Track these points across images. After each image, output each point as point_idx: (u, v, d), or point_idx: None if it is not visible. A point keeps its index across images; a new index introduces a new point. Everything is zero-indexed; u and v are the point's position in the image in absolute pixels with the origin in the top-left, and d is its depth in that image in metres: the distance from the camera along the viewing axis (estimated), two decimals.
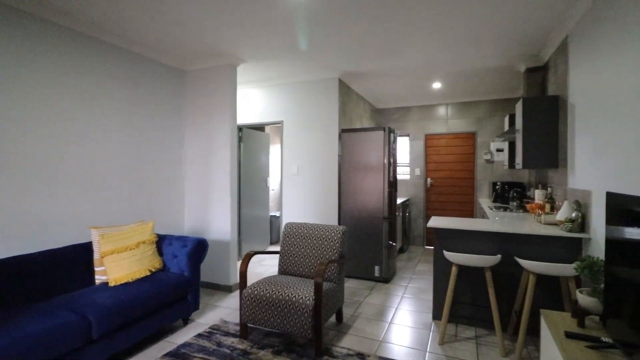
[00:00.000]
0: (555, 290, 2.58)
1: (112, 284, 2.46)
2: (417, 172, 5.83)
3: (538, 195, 3.49)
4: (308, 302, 2.28)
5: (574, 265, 1.72)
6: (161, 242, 2.95)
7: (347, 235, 2.85)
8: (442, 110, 5.70)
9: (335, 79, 4.13)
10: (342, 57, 3.62)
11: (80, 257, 2.56)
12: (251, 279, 3.95)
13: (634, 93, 1.82)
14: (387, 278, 3.91)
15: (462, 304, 2.86)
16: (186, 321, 2.84)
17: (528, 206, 3.37)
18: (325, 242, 2.79)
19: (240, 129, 4.86)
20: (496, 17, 2.75)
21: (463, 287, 2.87)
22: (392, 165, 4.04)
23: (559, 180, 3.10)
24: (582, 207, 2.49)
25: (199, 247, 2.82)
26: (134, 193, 3.23)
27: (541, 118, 3.16)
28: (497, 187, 4.68)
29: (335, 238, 2.78)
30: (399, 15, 2.69)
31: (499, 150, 5.28)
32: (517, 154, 3.46)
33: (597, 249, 2.23)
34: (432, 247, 5.70)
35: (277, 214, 6.02)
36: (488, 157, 5.34)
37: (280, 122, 4.45)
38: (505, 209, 3.79)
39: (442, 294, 2.91)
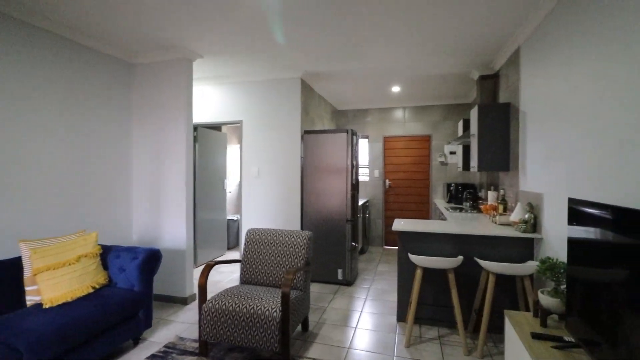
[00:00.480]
0: (511, 288, 2.72)
1: (47, 305, 2.14)
2: (376, 173, 5.92)
3: (491, 196, 3.68)
4: (275, 313, 2.16)
5: (535, 266, 1.80)
6: (107, 254, 2.64)
7: (312, 241, 2.77)
8: (400, 113, 5.84)
9: (298, 79, 4.03)
10: (305, 57, 3.53)
11: (6, 275, 2.19)
12: (209, 289, 3.71)
13: (580, 103, 1.95)
14: (350, 281, 3.89)
15: (424, 305, 2.92)
16: (137, 341, 2.57)
17: (482, 207, 3.55)
18: (291, 249, 2.69)
19: (195, 128, 4.57)
20: (453, 28, 2.83)
21: (425, 288, 2.92)
22: (355, 167, 4.04)
23: (510, 183, 3.29)
24: (534, 208, 2.64)
25: (151, 259, 2.57)
26: (74, 199, 2.87)
27: (494, 124, 3.33)
28: (451, 188, 4.89)
29: (300, 244, 2.68)
30: (362, 19, 2.66)
31: (452, 152, 5.53)
32: (472, 157, 3.62)
33: (550, 248, 2.37)
34: (391, 247, 5.87)
35: (235, 217, 5.78)
36: (442, 159, 5.58)
37: (240, 122, 4.25)
38: (460, 210, 3.95)
39: (406, 295, 2.94)
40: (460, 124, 4.47)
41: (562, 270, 1.66)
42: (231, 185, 6.20)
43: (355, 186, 4.04)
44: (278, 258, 2.69)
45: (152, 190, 3.43)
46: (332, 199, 3.90)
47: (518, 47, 3.06)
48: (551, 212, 2.38)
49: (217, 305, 2.27)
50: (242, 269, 2.76)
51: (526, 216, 2.65)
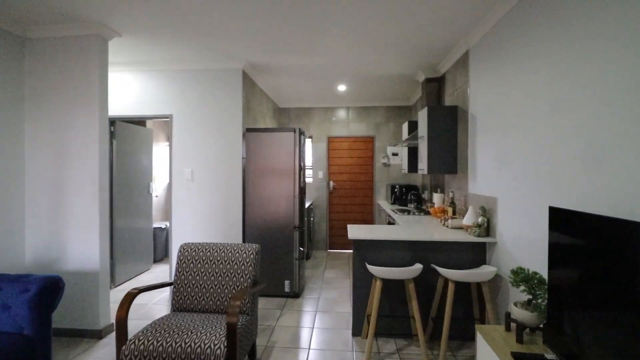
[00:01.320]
0: (463, 293, 2.68)
1: None
2: (320, 175, 5.72)
3: (437, 198, 3.69)
4: (219, 351, 1.78)
5: (508, 278, 1.70)
6: None
7: (260, 255, 2.42)
8: (344, 113, 5.71)
9: (239, 71, 3.60)
10: (249, 46, 3.13)
11: None
12: (132, 315, 3.11)
13: (533, 108, 1.94)
14: (297, 292, 3.60)
15: (380, 316, 2.75)
16: None
17: (431, 210, 3.53)
18: (235, 267, 2.30)
19: (112, 122, 3.86)
20: (405, 27, 2.72)
21: (380, 298, 2.76)
22: (303, 169, 3.75)
23: (458, 185, 3.30)
24: (487, 212, 2.64)
25: (48, 290, 1.97)
26: None
27: (443, 126, 3.32)
28: (396, 189, 4.89)
29: (246, 260, 2.31)
30: (313, 9, 2.39)
31: (395, 154, 5.56)
32: (421, 159, 3.59)
33: (505, 252, 2.36)
34: (336, 251, 5.71)
35: (164, 225, 5.09)
36: (385, 160, 5.59)
37: (169, 117, 3.67)
38: (408, 212, 3.92)
39: (362, 307, 2.75)
40: (406, 126, 4.47)
41: (535, 282, 1.58)
42: (159, 188, 5.46)
43: (303, 190, 3.76)
44: (219, 278, 2.28)
45: (54, 197, 2.73)
46: (278, 205, 3.56)
47: (467, 51, 3.06)
48: (505, 216, 2.37)
49: (142, 347, 1.80)
50: (174, 294, 2.29)
51: (479, 220, 2.63)
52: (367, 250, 2.70)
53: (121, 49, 3.22)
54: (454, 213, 3.20)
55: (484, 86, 2.73)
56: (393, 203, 4.99)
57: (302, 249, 3.71)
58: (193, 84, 3.64)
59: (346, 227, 5.72)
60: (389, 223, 4.13)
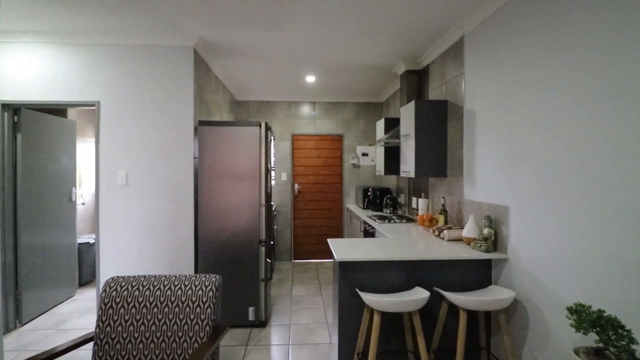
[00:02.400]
0: (469, 320, 2.28)
1: None
2: (284, 177, 5.12)
3: (422, 204, 3.31)
4: None
5: (571, 322, 1.29)
6: None
7: (221, 289, 1.80)
8: (310, 109, 5.17)
9: (190, 49, 2.90)
10: (202, 16, 2.47)
11: None
12: None
13: (557, 101, 1.57)
14: (264, 320, 2.99)
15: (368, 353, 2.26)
16: None
17: (418, 218, 3.12)
18: (187, 310, 1.66)
19: (16, 109, 2.94)
20: (388, 7, 2.26)
21: (372, 330, 2.27)
22: (269, 172, 3.14)
23: (448, 190, 2.93)
24: (494, 223, 2.26)
25: None
26: None
27: (432, 123, 2.93)
28: (369, 193, 4.46)
29: (203, 299, 1.68)
30: None
31: (365, 154, 5.15)
32: (405, 160, 3.17)
33: (521, 270, 1.99)
34: (301, 261, 5.14)
35: (91, 239, 4.15)
36: (355, 161, 5.15)
37: (95, 104, 2.86)
38: (387, 220, 3.49)
39: (350, 341, 2.23)
40: (381, 123, 4.05)
41: (611, 327, 1.17)
42: (87, 194, 4.49)
43: (269, 196, 3.15)
44: (164, 329, 1.62)
45: None
46: (239, 215, 2.92)
47: (462, 37, 2.69)
48: (521, 227, 2.00)
49: None
50: (95, 355, 1.58)
51: (485, 231, 2.25)
52: (355, 272, 2.19)
53: (28, 13, 2.38)
54: (445, 222, 2.82)
55: (485, 78, 2.36)
56: (366, 208, 4.56)
57: (269, 260, 3.11)
58: (129, 64, 2.87)
59: (313, 235, 5.19)
60: (366, 232, 3.67)
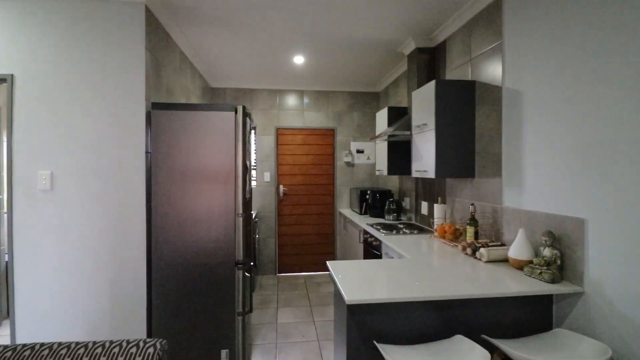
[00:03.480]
0: None
1: None
2: (267, 177, 4.42)
3: (438, 211, 2.69)
4: None
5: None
6: None
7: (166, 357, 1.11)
8: (297, 99, 4.48)
9: (140, 7, 2.16)
10: None
11: None
12: None
13: None
14: None
15: None
16: None
17: (437, 228, 2.50)
18: None
19: None
20: None
21: None
22: (249, 171, 2.44)
23: (477, 194, 2.32)
24: (558, 241, 1.65)
25: None
26: None
27: (459, 110, 2.32)
28: (367, 196, 3.82)
29: None
30: None
31: (360, 151, 4.52)
32: (419, 158, 2.55)
33: (610, 313, 1.37)
34: (287, 274, 4.42)
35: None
36: (348, 159, 4.50)
37: (6, 79, 2.08)
38: (395, 230, 2.86)
39: None
40: (383, 114, 3.42)
41: None
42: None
43: (249, 202, 2.45)
44: None
45: None
46: (209, 228, 2.21)
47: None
48: (606, 250, 1.40)
49: None
50: None
51: (546, 253, 1.64)
52: (371, 314, 1.53)
53: None
54: (476, 236, 2.20)
55: (537, 46, 1.75)
56: (363, 213, 3.91)
57: (250, 272, 2.41)
58: (56, 25, 2.10)
59: (301, 244, 4.51)
60: (368, 244, 3.03)
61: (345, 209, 4.43)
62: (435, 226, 2.61)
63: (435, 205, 2.70)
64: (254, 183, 4.37)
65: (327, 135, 4.55)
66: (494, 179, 2.13)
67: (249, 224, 2.41)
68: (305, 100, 4.48)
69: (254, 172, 4.35)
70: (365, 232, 3.13)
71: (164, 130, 2.18)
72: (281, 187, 4.46)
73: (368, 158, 4.57)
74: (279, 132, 4.46)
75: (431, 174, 2.35)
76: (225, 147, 2.22)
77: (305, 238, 4.52)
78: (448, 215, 2.70)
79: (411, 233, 2.77)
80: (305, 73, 3.95)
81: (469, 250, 2.04)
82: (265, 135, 4.41)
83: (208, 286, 2.21)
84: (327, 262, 1.93)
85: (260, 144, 4.41)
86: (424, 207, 3.14)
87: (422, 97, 2.49)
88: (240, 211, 2.24)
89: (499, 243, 2.01)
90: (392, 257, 2.40)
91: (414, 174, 2.65)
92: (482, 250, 1.93)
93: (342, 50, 3.25)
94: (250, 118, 2.44)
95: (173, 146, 2.19)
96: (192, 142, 2.20)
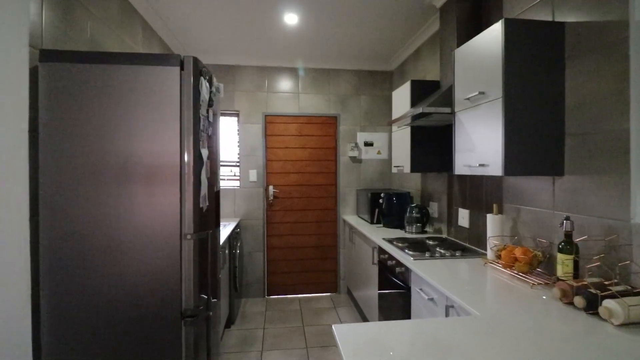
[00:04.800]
0: None
1: None
2: (253, 176, 3.55)
3: (493, 225, 1.82)
4: None
5: None
6: None
7: None
8: (291, 79, 3.62)
9: None
10: None
11: None
12: None
13: None
14: None
15: None
16: None
17: (502, 254, 1.63)
18: None
19: None
20: None
21: None
22: (205, 166, 1.56)
23: (571, 202, 1.46)
24: None
25: None
26: None
27: (538, 69, 1.46)
28: (381, 200, 2.96)
29: None
30: None
31: (368, 144, 3.67)
32: (470, 146, 1.69)
33: None
34: (278, 297, 3.53)
35: None
36: (355, 153, 3.64)
37: None
38: (429, 251, 2.00)
39: None
40: (404, 91, 2.56)
41: None
42: None
43: (207, 215, 1.57)
44: None
45: None
46: (136, 256, 1.35)
47: None
48: None
49: None
50: None
51: None
52: None
53: None
54: (576, 271, 1.34)
55: None
56: (375, 222, 3.06)
57: (208, 326, 1.53)
58: None
59: (295, 259, 3.65)
60: (386, 268, 2.17)
61: (351, 216, 3.57)
62: (492, 248, 1.76)
63: (490, 217, 1.84)
64: (237, 183, 3.51)
65: (328, 124, 3.69)
66: (608, 177, 1.28)
67: (207, 248, 1.55)
68: (301, 80, 3.62)
69: (235, 170, 3.49)
70: (382, 251, 2.27)
71: (63, 97, 1.32)
72: (271, 188, 3.60)
73: (379, 152, 3.71)
74: (268, 120, 3.59)
75: (496, 170, 1.49)
76: (164, 125, 1.36)
77: (301, 252, 3.66)
78: (506, 232, 1.84)
79: (452, 256, 1.91)
80: (301, 42, 3.08)
81: (578, 302, 1.18)
82: (251, 123, 3.55)
83: (135, 355, 1.34)
84: (333, 326, 1.07)
85: (245, 134, 3.54)
86: (463, 216, 2.28)
87: (478, 52, 1.63)
88: (190, 230, 1.37)
89: (629, 287, 1.15)
90: (431, 299, 1.55)
91: (460, 171, 1.80)
92: (610, 303, 1.07)
93: (346, 9, 2.39)
94: (211, 81, 1.57)
95: (78, 122, 1.32)
96: (110, 116, 1.33)
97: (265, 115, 3.58)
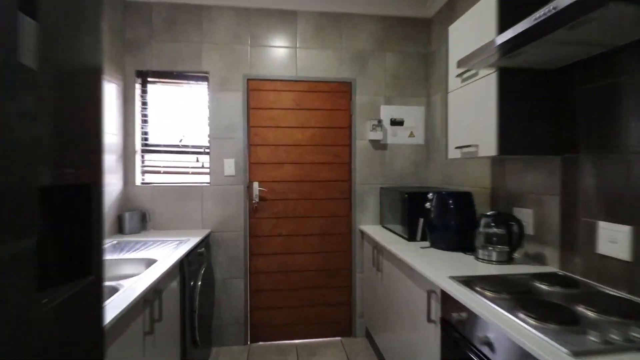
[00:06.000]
0: None
1: None
2: (230, 168, 2.43)
3: None
4: None
5: None
6: None
7: None
8: (286, 27, 2.49)
9: None
10: None
11: None
12: None
13: None
14: None
15: None
16: None
17: None
18: None
19: None
20: None
21: None
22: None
23: None
24: None
25: None
26: None
27: None
28: (429, 204, 1.83)
29: None
30: None
31: (396, 122, 2.56)
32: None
33: None
34: (265, 344, 2.39)
35: None
36: (378, 135, 2.52)
37: None
38: (583, 327, 0.89)
39: None
40: (487, 6, 1.44)
41: None
42: None
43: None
44: None
45: None
46: None
47: None
48: None
49: None
50: None
51: None
52: None
53: None
54: None
55: None
56: (420, 239, 1.94)
57: None
58: None
59: (291, 289, 2.54)
60: (453, 335, 1.03)
61: (372, 226, 2.46)
62: None
63: None
64: (206, 178, 2.41)
65: (339, 93, 2.56)
66: None
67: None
68: (301, 29, 2.50)
69: (206, 158, 2.41)
70: (457, 306, 1.15)
71: None
72: (256, 185, 2.47)
73: (412, 134, 2.59)
74: (252, 87, 2.47)
75: None
76: None
77: (299, 277, 2.53)
78: None
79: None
80: None
81: None
82: (227, 91, 2.43)
83: None
84: None
85: (218, 107, 2.42)
86: (612, 237, 1.16)
87: None
88: None
89: None
90: None
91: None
92: None
93: None
94: None
95: None
96: None
97: (248, 80, 2.45)
